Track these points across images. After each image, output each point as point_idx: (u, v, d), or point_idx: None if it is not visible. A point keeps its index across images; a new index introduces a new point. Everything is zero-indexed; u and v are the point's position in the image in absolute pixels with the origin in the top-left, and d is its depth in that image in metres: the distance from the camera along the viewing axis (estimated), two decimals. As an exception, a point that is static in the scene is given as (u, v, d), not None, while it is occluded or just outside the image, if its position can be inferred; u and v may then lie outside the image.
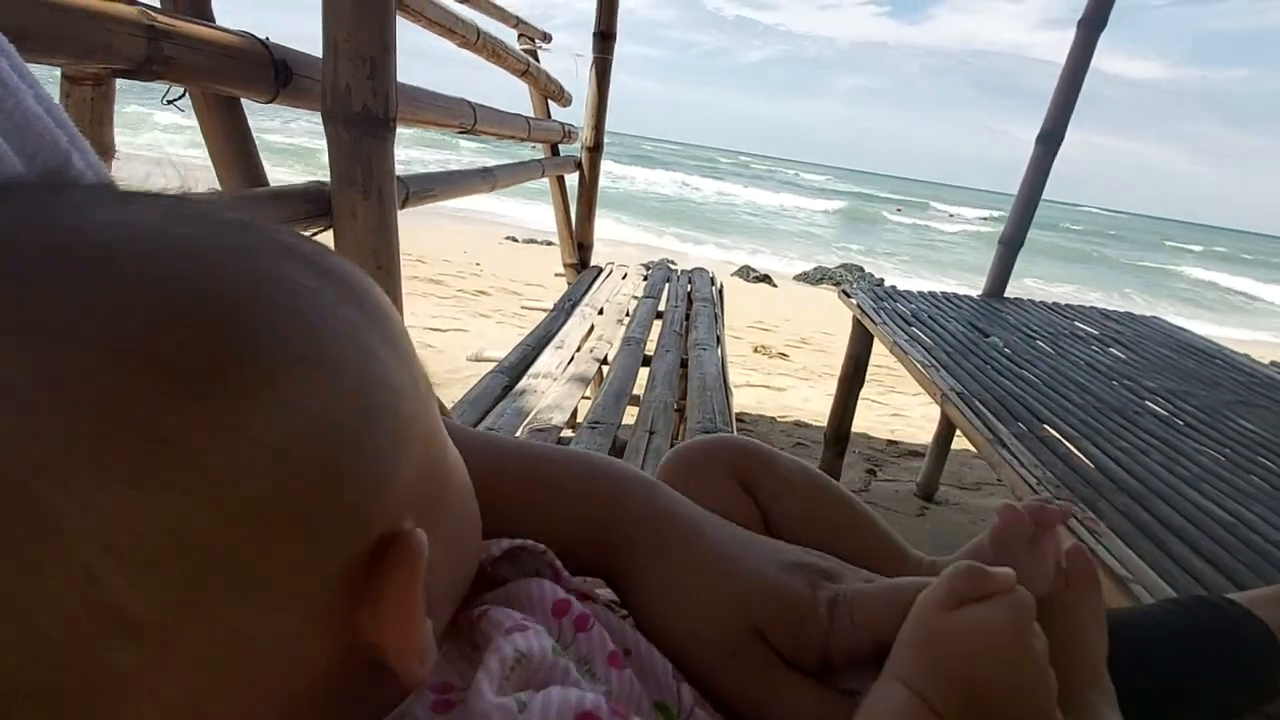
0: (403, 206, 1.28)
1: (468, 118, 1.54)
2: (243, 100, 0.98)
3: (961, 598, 0.28)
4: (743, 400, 3.78)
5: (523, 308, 2.40)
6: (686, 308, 2.36)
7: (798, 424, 3.56)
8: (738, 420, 3.45)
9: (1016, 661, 0.26)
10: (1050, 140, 2.49)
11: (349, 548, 0.19)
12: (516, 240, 9.95)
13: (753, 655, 0.31)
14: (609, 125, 2.75)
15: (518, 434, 1.32)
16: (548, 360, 1.74)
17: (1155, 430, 1.50)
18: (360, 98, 0.91)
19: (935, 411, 3.01)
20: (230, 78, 0.81)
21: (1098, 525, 1.06)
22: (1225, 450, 1.43)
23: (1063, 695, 0.25)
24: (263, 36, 0.88)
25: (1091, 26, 2.33)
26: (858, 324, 2.46)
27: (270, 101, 0.90)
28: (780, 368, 4.65)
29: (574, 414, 1.51)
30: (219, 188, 0.93)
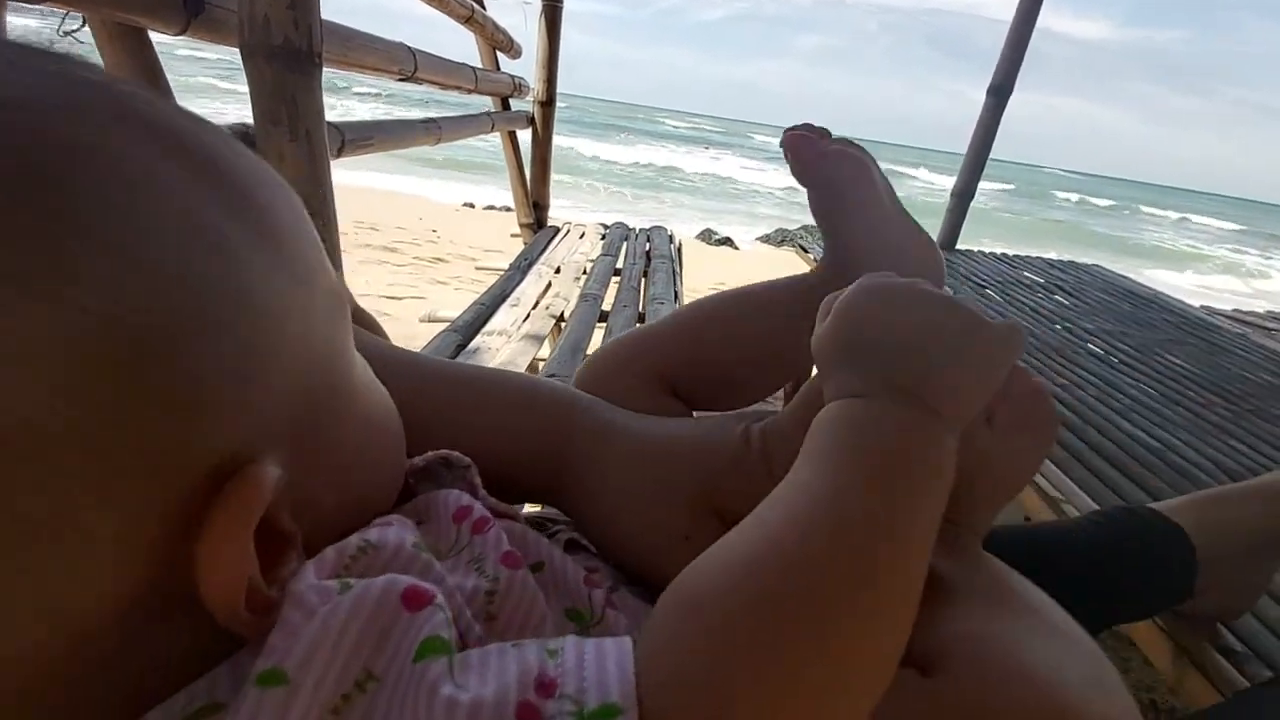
0: (338, 156, 1.22)
1: (407, 63, 1.47)
2: (153, 35, 0.91)
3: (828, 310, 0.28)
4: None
5: (478, 269, 2.35)
6: (645, 265, 2.34)
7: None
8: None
9: (884, 298, 0.25)
10: (1000, 93, 2.51)
11: (160, 479, 0.17)
12: (474, 206, 9.71)
13: (708, 531, 0.32)
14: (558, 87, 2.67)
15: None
16: (502, 318, 1.71)
17: (1092, 368, 1.56)
18: (281, 29, 0.85)
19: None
20: (132, 5, 0.75)
21: (1035, 454, 1.10)
22: (1155, 385, 1.50)
23: (945, 515, 0.24)
24: (168, -39, 0.81)
25: (1039, -24, 2.34)
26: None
27: (181, 33, 0.84)
28: (742, 327, 4.69)
29: (530, 370, 1.49)
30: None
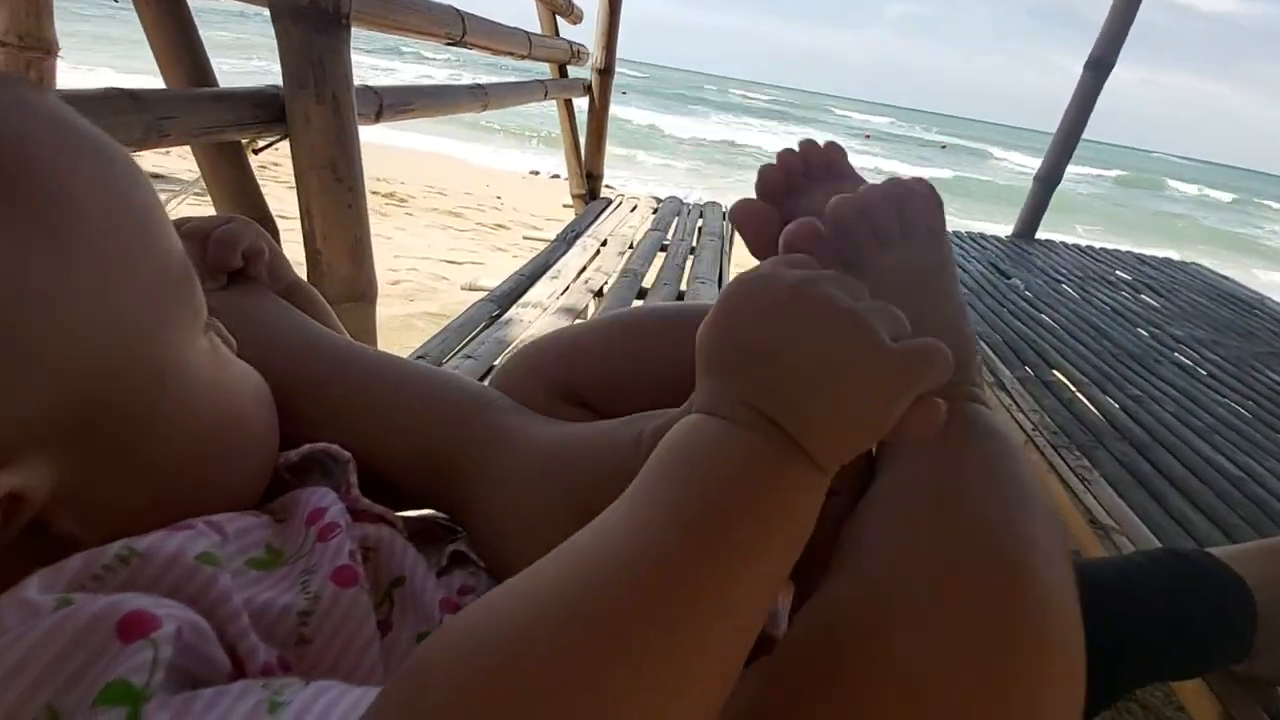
0: (377, 120, 1.22)
1: (454, 26, 1.45)
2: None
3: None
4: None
5: (525, 238, 2.35)
6: (693, 241, 2.27)
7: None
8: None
9: (774, 304, 0.20)
10: (1099, 67, 2.27)
11: None
12: (540, 174, 9.78)
13: None
14: (623, 53, 2.60)
15: (497, 362, 1.30)
16: (540, 290, 1.70)
17: (1174, 380, 1.41)
18: (307, -11, 0.84)
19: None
20: (159, -38, 0.76)
21: (1091, 474, 1.00)
22: (1248, 403, 1.34)
23: None
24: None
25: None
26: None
27: (212, -7, 0.84)
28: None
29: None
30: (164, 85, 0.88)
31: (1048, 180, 2.45)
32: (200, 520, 0.21)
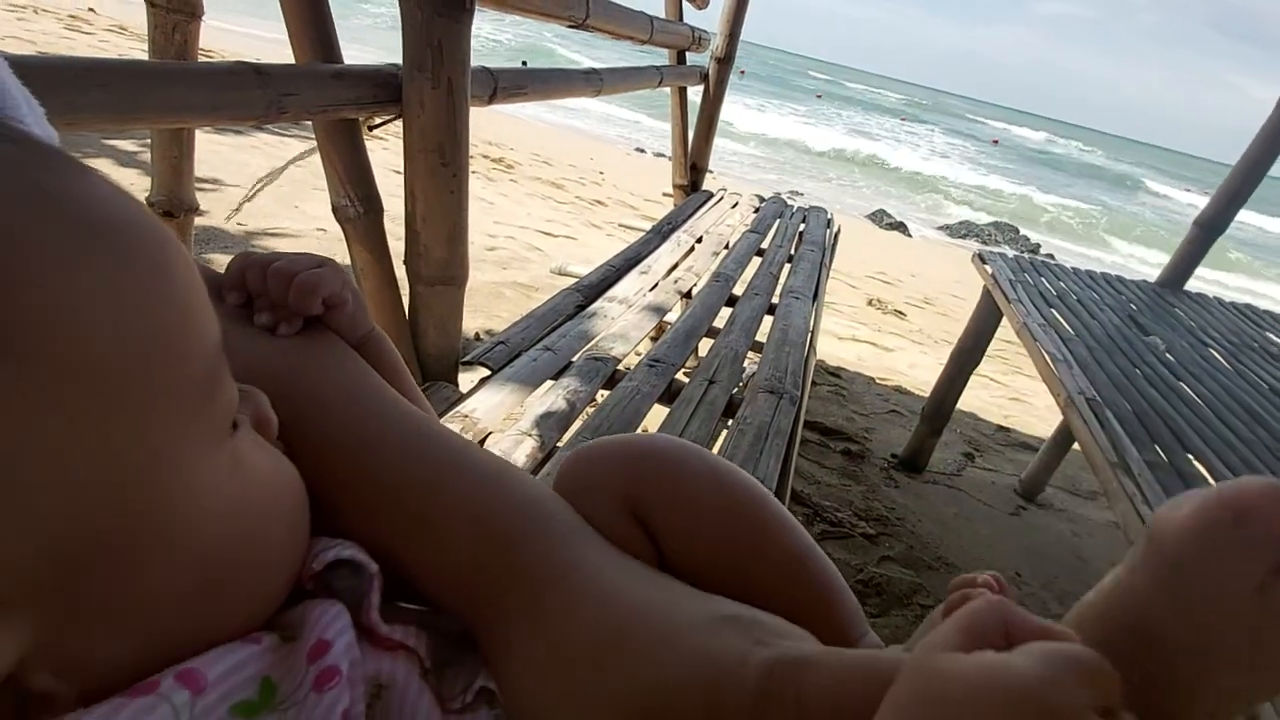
0: (490, 101, 1.21)
1: (578, 9, 1.41)
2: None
3: (981, 639, 0.17)
4: (843, 354, 3.56)
5: (620, 225, 2.32)
6: (792, 248, 2.17)
7: (897, 389, 3.30)
8: (833, 375, 3.26)
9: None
10: (1301, 100, 1.96)
11: None
12: (645, 152, 9.73)
13: None
14: (749, 36, 2.49)
15: (575, 359, 1.28)
16: (628, 285, 1.67)
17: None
18: (434, -29, 0.82)
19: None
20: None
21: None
22: None
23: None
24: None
25: None
26: (988, 294, 2.17)
27: (345, -31, 0.84)
28: (893, 326, 4.30)
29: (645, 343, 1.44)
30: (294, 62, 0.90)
31: (1211, 226, 2.15)
32: (171, 674, 0.19)
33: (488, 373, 1.15)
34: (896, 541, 2.05)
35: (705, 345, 1.48)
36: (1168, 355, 1.67)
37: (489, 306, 3.00)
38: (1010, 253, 2.29)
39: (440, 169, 0.98)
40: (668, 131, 2.60)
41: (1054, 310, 1.84)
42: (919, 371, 3.53)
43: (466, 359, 1.18)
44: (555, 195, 5.51)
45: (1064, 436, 2.37)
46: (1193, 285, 2.33)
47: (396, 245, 1.06)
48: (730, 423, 1.14)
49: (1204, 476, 1.13)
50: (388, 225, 1.06)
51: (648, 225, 2.66)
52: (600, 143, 9.09)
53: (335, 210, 0.99)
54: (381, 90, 0.91)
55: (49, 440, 0.15)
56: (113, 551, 0.17)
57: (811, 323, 1.60)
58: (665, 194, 2.62)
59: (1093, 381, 1.40)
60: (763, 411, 1.13)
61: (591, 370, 1.21)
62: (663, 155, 9.58)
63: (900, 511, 2.21)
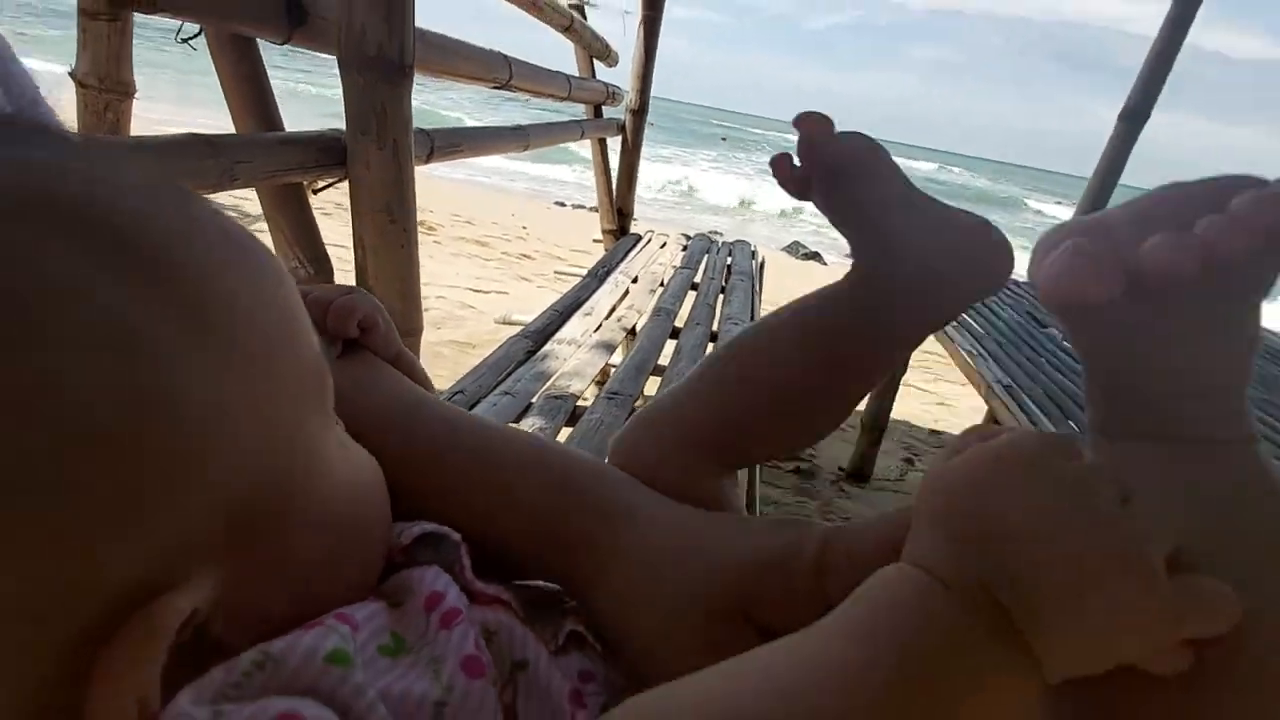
0: (427, 160, 1.25)
1: (502, 71, 1.49)
2: (261, 43, 0.96)
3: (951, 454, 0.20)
4: (780, 379, 3.69)
5: (556, 273, 2.37)
6: (723, 280, 2.28)
7: (835, 407, 3.46)
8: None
9: (1043, 488, 0.18)
10: (1134, 118, 2.27)
11: (50, 621, 0.15)
12: (565, 205, 9.94)
13: (740, 642, 0.27)
14: (658, 91, 2.66)
15: (535, 399, 1.30)
16: (574, 327, 1.71)
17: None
18: (375, 40, 0.87)
19: (984, 405, 2.86)
20: (239, 15, 0.79)
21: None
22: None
23: None
24: (279, -27, 0.85)
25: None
26: (904, 307, 2.34)
27: (285, 42, 0.88)
28: (822, 348, 4.52)
29: (597, 382, 1.48)
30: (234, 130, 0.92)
31: (1082, 228, 2.44)
32: (330, 615, 0.21)
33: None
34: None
35: (655, 381, 1.54)
36: (1065, 342, 1.86)
37: (429, 366, 2.95)
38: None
39: (389, 226, 1.00)
40: (583, 185, 2.70)
41: (964, 314, 2.02)
42: (851, 387, 3.71)
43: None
44: (481, 253, 5.53)
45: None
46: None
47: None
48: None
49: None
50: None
51: (581, 272, 2.74)
52: (520, 199, 9.22)
53: (284, 274, 0.99)
54: (325, 154, 0.94)
55: (234, 408, 0.18)
56: (273, 514, 0.20)
57: (752, 345, 1.69)
58: (595, 240, 2.71)
59: (1007, 372, 1.55)
60: (722, 429, 1.19)
61: (553, 408, 1.24)
62: (582, 207, 9.82)
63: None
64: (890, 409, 2.61)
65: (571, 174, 11.05)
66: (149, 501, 0.16)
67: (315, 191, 1.00)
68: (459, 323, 3.46)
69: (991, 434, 0.21)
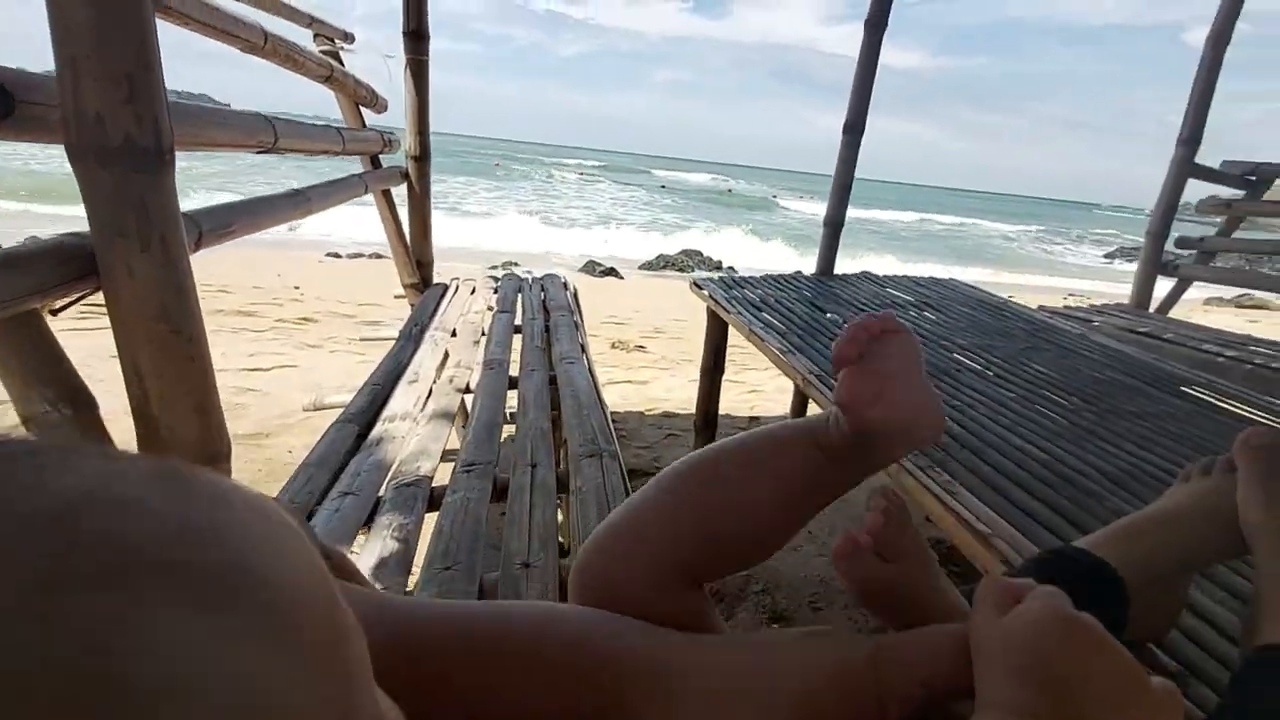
0: (195, 249, 1.06)
1: (266, 134, 1.33)
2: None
3: (1002, 606, 0.28)
4: (609, 398, 3.77)
5: (362, 340, 2.17)
6: (545, 318, 2.28)
7: (666, 415, 3.63)
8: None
9: (1076, 638, 0.26)
10: (854, 130, 2.74)
11: None
12: (340, 256, 9.12)
13: None
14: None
15: (380, 491, 1.17)
16: (403, 399, 1.57)
17: (975, 385, 1.70)
18: (120, 127, 0.72)
19: (788, 383, 3.22)
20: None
21: (954, 485, 1.16)
22: (1029, 395, 1.66)
23: None
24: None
25: (875, 26, 2.59)
26: (713, 315, 2.55)
27: (-16, 137, 0.68)
28: (640, 360, 4.72)
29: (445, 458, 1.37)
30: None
31: (833, 224, 2.86)
32: None
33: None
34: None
35: (508, 428, 1.48)
36: (844, 325, 2.17)
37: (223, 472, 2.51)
38: (704, 274, 2.72)
39: (171, 338, 0.83)
40: (353, 232, 2.51)
41: (764, 314, 2.25)
42: (676, 393, 3.93)
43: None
44: (249, 324, 4.85)
45: (799, 408, 2.88)
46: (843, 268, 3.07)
47: (125, 437, 0.87)
48: (567, 497, 1.16)
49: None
50: (115, 418, 0.86)
51: (384, 331, 2.52)
52: (281, 256, 8.21)
53: (28, 422, 0.77)
54: (68, 267, 0.75)
55: (292, 698, 0.14)
56: None
57: (591, 380, 1.70)
58: (397, 296, 2.53)
59: (813, 361, 1.76)
60: (592, 477, 1.18)
61: (407, 499, 1.13)
62: (360, 255, 9.07)
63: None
64: (718, 408, 2.81)
65: (334, 221, 10.14)
66: None
67: (54, 313, 0.80)
68: (240, 413, 3.00)
69: (1024, 591, 0.27)
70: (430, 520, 1.10)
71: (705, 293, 2.55)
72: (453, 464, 1.27)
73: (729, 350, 2.72)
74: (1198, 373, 2.03)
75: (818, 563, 2.20)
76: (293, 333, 4.72)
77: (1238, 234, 3.35)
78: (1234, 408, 1.71)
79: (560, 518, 1.15)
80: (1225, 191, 3.25)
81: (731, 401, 3.84)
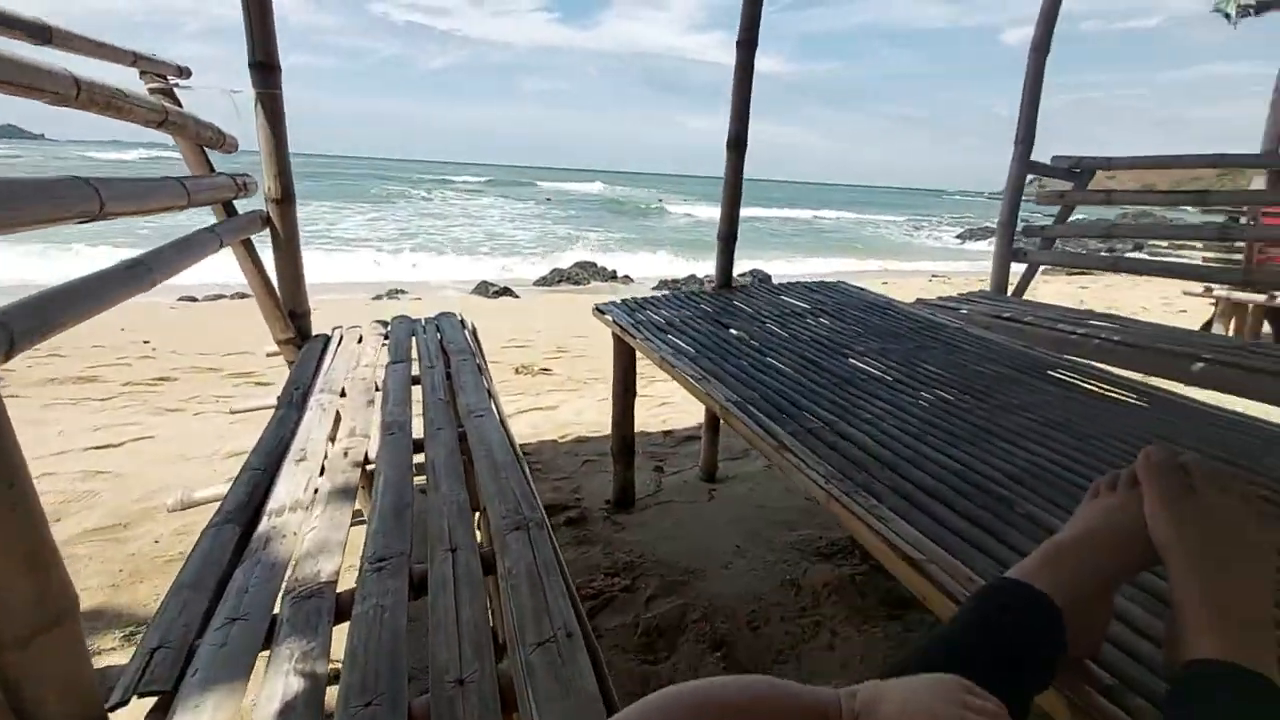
0: (6, 358, 0.87)
1: (89, 201, 1.12)
2: None
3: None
4: (519, 429, 3.64)
5: (232, 411, 1.94)
6: (445, 363, 2.13)
7: (579, 440, 3.55)
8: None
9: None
10: (737, 146, 2.80)
11: None
12: (196, 300, 8.23)
13: None
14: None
15: (276, 607, 1.02)
16: (290, 484, 1.39)
17: (879, 393, 1.76)
18: None
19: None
20: None
21: (881, 509, 1.18)
22: (927, 397, 1.75)
23: None
24: None
25: (747, 45, 2.67)
26: (619, 339, 2.50)
27: None
28: (546, 384, 4.60)
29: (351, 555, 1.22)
30: None
31: (727, 237, 2.92)
32: None
33: (163, 697, 0.83)
34: (649, 578, 2.20)
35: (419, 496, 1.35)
36: (753, 341, 2.20)
37: (76, 582, 2.14)
38: (605, 298, 2.71)
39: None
40: (207, 273, 2.25)
41: (670, 336, 2.23)
42: (586, 415, 3.86)
43: (119, 699, 0.83)
44: (92, 392, 4.24)
45: (713, 421, 2.91)
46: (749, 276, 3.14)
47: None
48: (496, 581, 1.06)
49: (822, 427, 1.52)
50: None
51: (260, 389, 2.26)
52: (127, 306, 7.28)
53: None
54: None
55: None
56: None
57: (505, 434, 1.60)
58: (270, 354, 2.28)
59: (729, 387, 1.76)
60: (520, 553, 1.09)
61: (308, 617, 0.98)
62: (221, 296, 8.24)
63: (638, 549, 2.39)
64: (633, 431, 2.77)
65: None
66: None
67: None
68: (89, 502, 2.59)
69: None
70: (340, 633, 0.96)
71: (609, 318, 2.50)
72: (358, 558, 1.13)
73: (637, 365, 2.69)
74: (1058, 355, 2.24)
75: (748, 579, 2.22)
76: (147, 397, 4.18)
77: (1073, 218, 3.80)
78: (1096, 388, 1.90)
79: (489, 606, 1.05)
80: (1057, 183, 3.67)
81: (644, 417, 3.82)
